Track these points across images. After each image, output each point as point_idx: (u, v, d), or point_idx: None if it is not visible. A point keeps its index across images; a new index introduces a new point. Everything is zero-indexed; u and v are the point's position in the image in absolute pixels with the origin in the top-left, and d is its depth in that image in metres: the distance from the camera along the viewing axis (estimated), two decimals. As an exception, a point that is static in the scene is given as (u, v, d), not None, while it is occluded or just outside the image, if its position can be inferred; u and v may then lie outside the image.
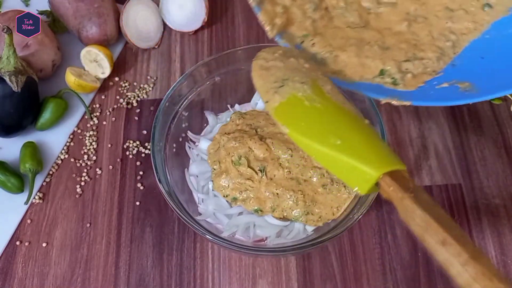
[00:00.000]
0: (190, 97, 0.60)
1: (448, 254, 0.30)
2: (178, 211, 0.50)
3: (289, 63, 0.48)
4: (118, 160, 0.65)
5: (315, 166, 0.54)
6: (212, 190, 0.56)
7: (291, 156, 0.54)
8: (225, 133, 0.58)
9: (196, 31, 0.75)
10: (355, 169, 0.37)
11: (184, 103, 0.60)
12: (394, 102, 0.48)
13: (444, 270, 0.31)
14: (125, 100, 0.70)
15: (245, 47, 0.60)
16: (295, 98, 0.42)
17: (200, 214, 0.56)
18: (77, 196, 0.63)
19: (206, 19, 0.73)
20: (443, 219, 0.32)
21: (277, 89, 0.44)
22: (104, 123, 0.68)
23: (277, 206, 0.53)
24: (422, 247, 0.59)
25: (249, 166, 0.54)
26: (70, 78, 0.67)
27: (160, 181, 0.52)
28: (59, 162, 0.65)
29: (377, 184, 0.37)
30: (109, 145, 0.67)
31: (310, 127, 0.41)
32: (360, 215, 0.49)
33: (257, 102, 0.62)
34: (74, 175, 0.64)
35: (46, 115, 0.66)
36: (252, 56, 0.60)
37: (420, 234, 0.32)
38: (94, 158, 0.66)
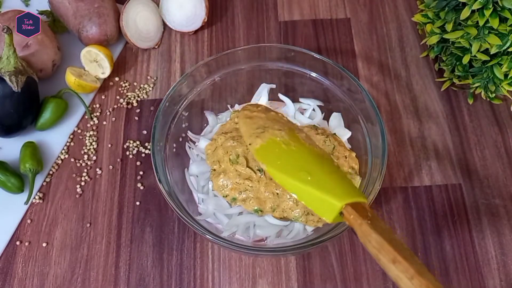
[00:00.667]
0: (190, 97, 0.60)
1: (398, 271, 0.35)
2: (178, 211, 0.50)
3: (270, 115, 0.56)
4: (118, 160, 0.65)
5: None
6: (212, 190, 0.56)
7: None
8: (223, 133, 0.58)
9: (196, 31, 0.75)
10: (323, 200, 0.43)
11: (184, 103, 0.60)
12: None
13: (396, 286, 0.36)
14: (125, 100, 0.70)
15: (245, 47, 0.60)
16: (273, 141, 0.51)
17: (200, 214, 0.56)
18: (77, 196, 0.63)
19: (206, 19, 0.73)
20: (395, 242, 0.37)
21: (259, 134, 0.51)
22: (104, 123, 0.68)
23: (277, 206, 0.53)
24: (422, 247, 0.59)
25: (247, 166, 0.54)
26: (70, 78, 0.67)
27: (160, 181, 0.52)
28: (59, 162, 0.65)
29: (341, 214, 0.42)
30: (109, 145, 0.67)
31: (285, 165, 0.48)
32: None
33: (257, 101, 0.62)
34: (74, 175, 0.64)
35: (46, 115, 0.66)
36: (252, 56, 0.60)
37: (375, 254, 0.37)
38: (94, 158, 0.66)
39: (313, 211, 0.45)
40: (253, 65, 0.61)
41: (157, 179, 0.52)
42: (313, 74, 0.60)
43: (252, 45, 0.61)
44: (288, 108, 0.61)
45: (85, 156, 0.66)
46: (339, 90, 0.59)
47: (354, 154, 0.57)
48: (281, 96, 0.62)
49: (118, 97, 0.70)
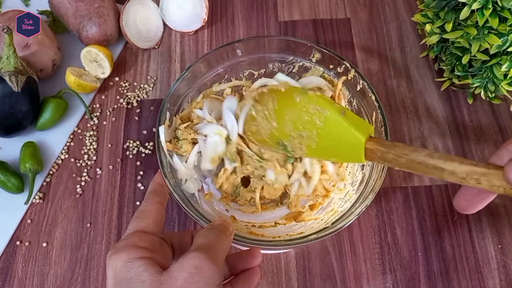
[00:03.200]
0: (193, 89, 0.59)
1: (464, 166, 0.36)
2: (182, 203, 0.49)
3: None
4: (118, 160, 0.66)
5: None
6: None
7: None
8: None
9: (196, 31, 0.75)
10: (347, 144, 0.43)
11: (187, 97, 0.59)
12: None
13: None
14: (125, 100, 0.70)
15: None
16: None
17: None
18: (77, 196, 0.63)
19: (206, 19, 0.73)
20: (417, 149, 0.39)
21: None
22: (104, 123, 0.68)
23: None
24: (422, 247, 0.59)
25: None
26: (70, 78, 0.67)
27: (165, 176, 0.50)
28: (59, 162, 0.65)
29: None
30: (109, 145, 0.67)
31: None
32: (362, 210, 0.48)
33: None
34: (74, 175, 0.64)
35: (46, 115, 0.66)
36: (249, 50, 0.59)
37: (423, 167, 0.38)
38: (94, 158, 0.66)
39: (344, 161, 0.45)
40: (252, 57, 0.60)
41: (162, 173, 0.50)
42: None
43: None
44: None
45: (85, 156, 0.66)
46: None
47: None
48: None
49: (118, 97, 0.70)
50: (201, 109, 0.57)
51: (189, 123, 0.56)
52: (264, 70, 0.61)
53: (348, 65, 0.55)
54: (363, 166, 0.55)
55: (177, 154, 0.55)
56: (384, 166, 0.50)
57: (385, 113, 0.52)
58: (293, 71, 0.60)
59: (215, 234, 0.39)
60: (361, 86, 0.54)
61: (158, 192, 0.46)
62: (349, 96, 0.57)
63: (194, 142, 0.55)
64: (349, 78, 0.55)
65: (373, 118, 0.53)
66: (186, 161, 0.55)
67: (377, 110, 0.52)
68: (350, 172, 0.57)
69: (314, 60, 0.58)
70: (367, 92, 0.54)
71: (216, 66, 0.58)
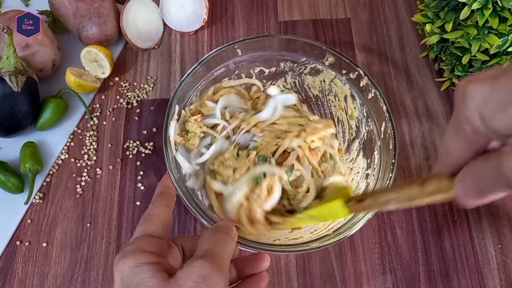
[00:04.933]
0: (201, 86, 0.59)
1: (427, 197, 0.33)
2: (185, 200, 0.48)
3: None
4: (118, 160, 0.66)
5: None
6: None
7: None
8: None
9: (196, 31, 0.75)
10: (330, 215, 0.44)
11: (195, 92, 0.58)
12: None
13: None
14: (125, 100, 0.70)
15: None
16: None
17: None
18: (77, 196, 0.63)
19: (206, 19, 0.73)
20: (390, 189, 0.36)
21: None
22: (104, 123, 0.68)
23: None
24: (422, 247, 0.59)
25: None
26: (70, 78, 0.67)
27: (170, 170, 0.50)
28: (59, 162, 0.65)
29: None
30: (109, 145, 0.67)
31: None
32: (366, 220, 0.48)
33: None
34: (74, 175, 0.64)
35: (46, 115, 0.66)
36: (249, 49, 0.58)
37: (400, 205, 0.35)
38: (94, 158, 0.66)
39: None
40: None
41: (168, 168, 0.50)
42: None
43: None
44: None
45: (85, 156, 0.66)
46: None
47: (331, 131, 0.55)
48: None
49: (118, 97, 0.70)
50: (213, 101, 0.57)
51: (199, 115, 0.56)
52: (275, 68, 0.61)
53: (361, 72, 0.55)
54: (367, 175, 0.55)
55: (184, 146, 0.55)
56: (390, 176, 0.50)
57: (395, 125, 0.52)
58: (305, 72, 0.60)
59: (221, 238, 0.39)
60: (372, 95, 0.54)
61: (165, 194, 0.45)
62: (360, 102, 0.57)
63: (203, 132, 0.56)
64: (361, 85, 0.55)
65: (382, 129, 0.53)
66: (195, 158, 0.55)
67: (387, 121, 0.52)
68: (353, 179, 0.57)
69: (327, 63, 0.57)
70: (379, 101, 0.53)
71: (227, 61, 0.58)
